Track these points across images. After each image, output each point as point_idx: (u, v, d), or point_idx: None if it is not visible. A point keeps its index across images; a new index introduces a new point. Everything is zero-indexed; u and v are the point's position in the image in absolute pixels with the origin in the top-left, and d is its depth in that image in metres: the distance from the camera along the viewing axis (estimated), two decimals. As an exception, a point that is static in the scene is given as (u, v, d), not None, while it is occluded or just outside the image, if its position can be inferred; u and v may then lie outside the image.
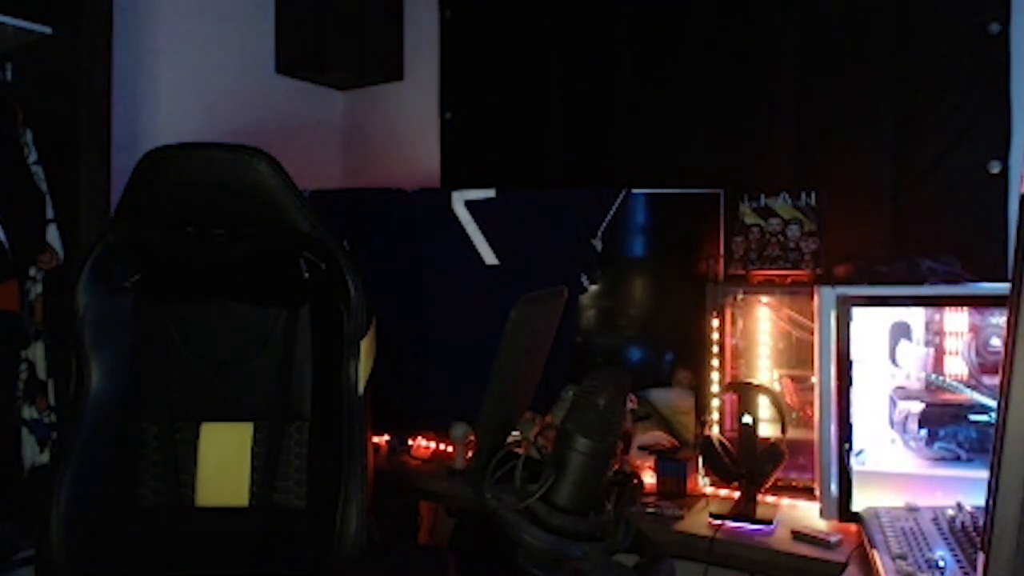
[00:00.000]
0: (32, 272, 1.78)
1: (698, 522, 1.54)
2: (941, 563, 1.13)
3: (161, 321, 1.73)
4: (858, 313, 1.47)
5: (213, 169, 1.52)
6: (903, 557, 1.18)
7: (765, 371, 1.75)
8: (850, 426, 1.47)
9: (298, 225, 1.56)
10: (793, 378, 1.73)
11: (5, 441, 1.77)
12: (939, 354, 1.53)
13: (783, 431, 1.60)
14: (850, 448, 1.47)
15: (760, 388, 1.65)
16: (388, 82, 2.62)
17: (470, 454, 1.96)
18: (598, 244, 2.02)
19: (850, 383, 1.48)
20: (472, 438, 1.97)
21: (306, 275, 1.64)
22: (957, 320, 1.53)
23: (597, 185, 2.09)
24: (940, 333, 1.54)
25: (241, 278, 1.72)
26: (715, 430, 1.74)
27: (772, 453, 1.57)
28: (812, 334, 1.58)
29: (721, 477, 1.64)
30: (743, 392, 1.65)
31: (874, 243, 1.84)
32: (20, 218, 1.76)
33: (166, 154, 1.53)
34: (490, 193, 2.13)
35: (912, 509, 1.35)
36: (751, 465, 1.58)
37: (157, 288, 1.69)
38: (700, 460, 1.71)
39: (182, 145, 1.57)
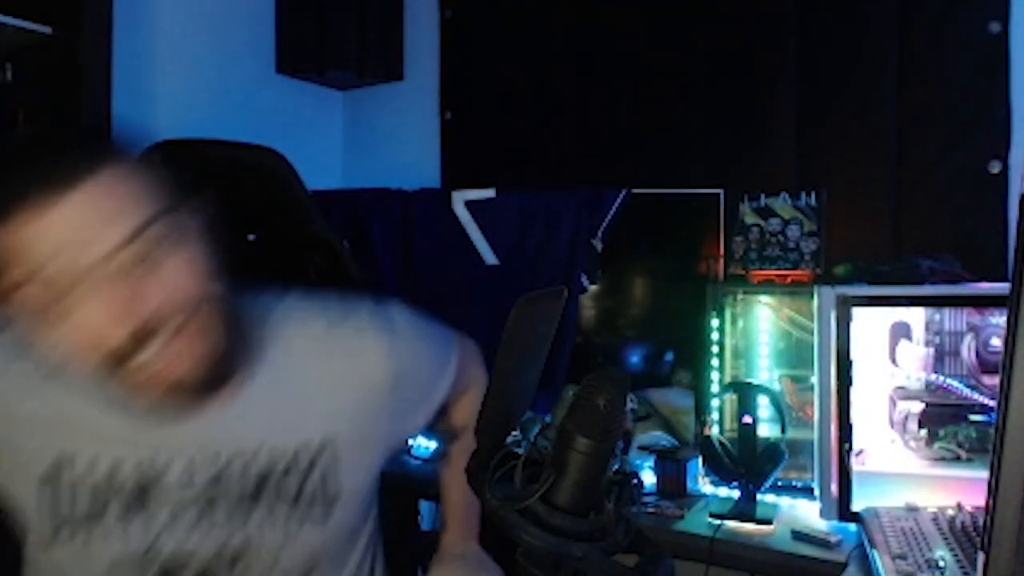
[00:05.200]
0: (32, 272, 1.78)
1: (698, 522, 1.54)
2: (941, 563, 1.12)
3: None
4: (858, 313, 1.47)
5: (221, 166, 1.51)
6: (903, 557, 1.18)
7: (765, 371, 1.75)
8: (850, 426, 1.47)
9: (304, 225, 1.56)
10: (793, 378, 1.73)
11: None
12: (939, 354, 1.53)
13: (783, 431, 1.60)
14: (850, 448, 1.47)
15: (760, 388, 1.65)
16: (388, 82, 2.62)
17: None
18: (598, 244, 2.02)
19: (850, 383, 1.48)
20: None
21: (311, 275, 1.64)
22: (957, 320, 1.53)
23: (597, 185, 2.09)
24: (940, 333, 1.54)
25: (245, 277, 1.72)
26: (715, 430, 1.74)
27: (772, 453, 1.58)
28: (812, 334, 1.57)
29: (721, 477, 1.64)
30: (743, 392, 1.65)
31: (874, 243, 1.84)
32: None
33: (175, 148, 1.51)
34: (490, 193, 2.13)
35: (912, 509, 1.35)
36: (751, 465, 1.58)
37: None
38: (700, 460, 1.71)
39: (192, 141, 1.55)
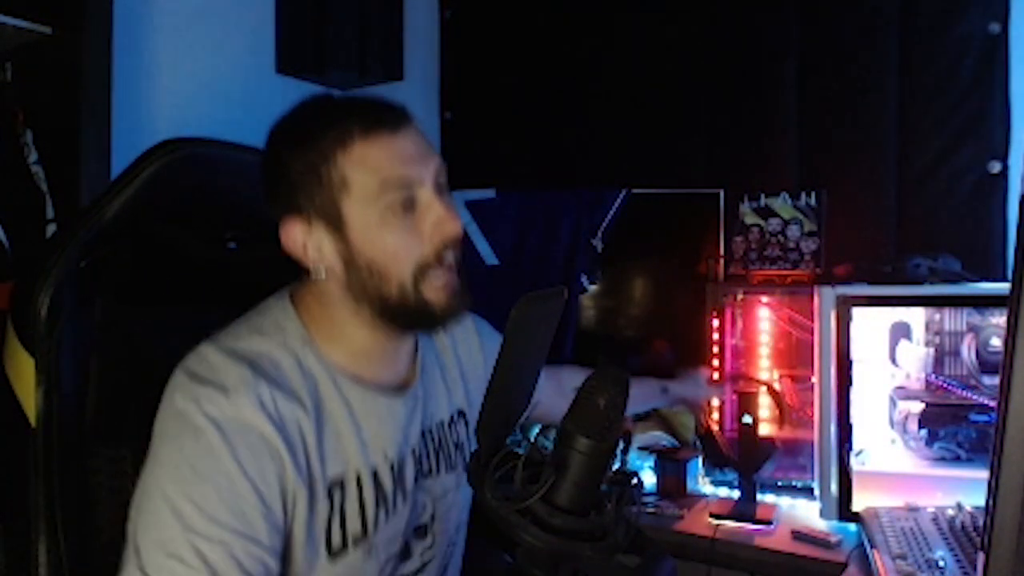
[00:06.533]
0: (32, 272, 1.78)
1: (698, 522, 1.54)
2: (941, 563, 1.13)
3: (159, 329, 1.72)
4: (858, 313, 1.48)
5: (237, 173, 1.48)
6: (903, 557, 1.18)
7: (765, 371, 1.75)
8: (850, 426, 1.47)
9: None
10: (793, 378, 1.73)
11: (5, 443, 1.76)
12: (939, 354, 1.53)
13: (780, 424, 1.60)
14: (850, 448, 1.47)
15: (759, 383, 1.65)
16: (388, 82, 2.62)
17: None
18: (598, 244, 2.02)
19: (850, 383, 1.48)
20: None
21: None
22: (957, 320, 1.53)
23: (597, 185, 2.09)
24: (940, 333, 1.54)
25: (248, 285, 1.70)
26: (716, 421, 1.74)
27: (764, 445, 1.58)
28: (812, 334, 1.58)
29: (715, 464, 1.65)
30: (743, 392, 1.65)
31: (874, 243, 1.84)
32: (20, 218, 1.75)
33: (194, 151, 1.43)
34: (490, 193, 2.13)
35: (912, 509, 1.35)
36: (748, 460, 1.58)
37: (153, 293, 1.67)
38: (700, 459, 1.71)
39: (212, 142, 1.48)
